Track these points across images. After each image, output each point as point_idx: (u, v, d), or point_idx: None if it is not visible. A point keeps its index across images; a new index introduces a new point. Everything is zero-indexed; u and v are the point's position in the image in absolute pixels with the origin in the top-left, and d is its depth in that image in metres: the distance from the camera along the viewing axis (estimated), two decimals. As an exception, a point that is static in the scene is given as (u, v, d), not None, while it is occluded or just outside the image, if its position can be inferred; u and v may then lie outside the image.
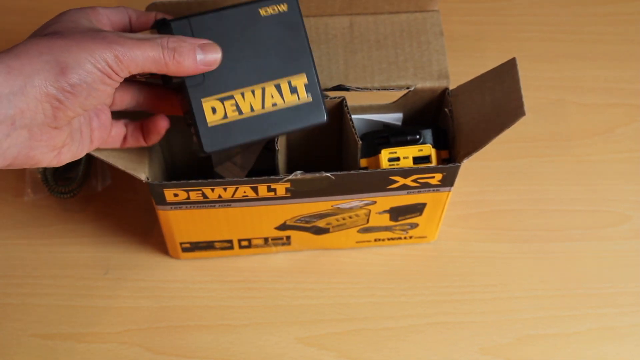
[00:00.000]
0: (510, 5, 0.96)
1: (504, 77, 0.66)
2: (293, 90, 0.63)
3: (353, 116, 0.72)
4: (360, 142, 0.68)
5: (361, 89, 0.70)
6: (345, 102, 0.70)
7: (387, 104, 0.74)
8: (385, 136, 0.71)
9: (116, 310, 0.78)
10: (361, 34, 0.71)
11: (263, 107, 0.62)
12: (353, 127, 0.68)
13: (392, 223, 0.77)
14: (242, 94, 0.62)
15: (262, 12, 0.62)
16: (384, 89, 0.70)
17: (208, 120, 0.61)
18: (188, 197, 0.69)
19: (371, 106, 0.74)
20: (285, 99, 0.63)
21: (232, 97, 0.61)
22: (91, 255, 0.81)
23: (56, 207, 0.83)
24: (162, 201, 0.69)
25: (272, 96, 0.62)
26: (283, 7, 0.63)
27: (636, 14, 0.96)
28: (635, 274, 0.81)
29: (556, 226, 0.83)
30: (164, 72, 0.58)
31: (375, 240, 0.80)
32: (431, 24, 0.72)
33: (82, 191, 0.83)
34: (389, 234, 0.80)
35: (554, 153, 0.87)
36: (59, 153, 0.58)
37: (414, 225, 0.78)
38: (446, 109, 0.71)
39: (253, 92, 0.62)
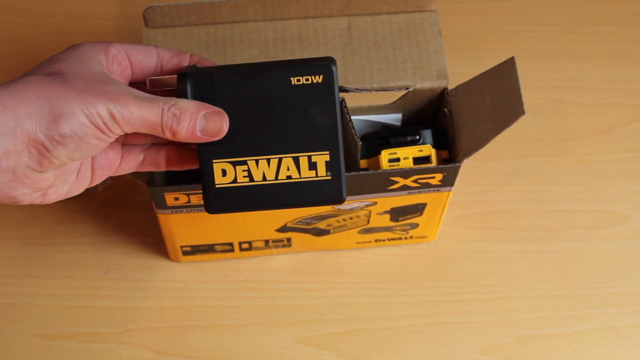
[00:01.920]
0: (510, 5, 0.96)
1: (503, 77, 0.66)
2: (312, 166, 0.59)
3: (352, 117, 0.72)
4: (360, 143, 0.68)
5: (360, 90, 0.70)
6: (345, 103, 0.70)
7: (387, 105, 0.74)
8: (385, 137, 0.71)
9: (116, 310, 0.78)
10: (359, 35, 0.71)
11: (276, 178, 0.59)
12: (353, 128, 0.68)
13: (393, 223, 0.77)
14: (257, 162, 0.59)
15: (294, 80, 0.58)
16: (383, 89, 0.70)
17: (216, 181, 0.59)
18: (189, 201, 0.69)
19: (370, 107, 0.74)
20: (301, 174, 0.59)
21: (245, 162, 0.58)
22: (91, 256, 0.81)
23: (56, 207, 0.83)
24: (163, 205, 0.69)
25: (288, 168, 0.59)
26: (318, 79, 0.58)
27: (636, 14, 0.96)
28: (635, 274, 0.81)
29: (556, 226, 0.83)
30: (160, 136, 0.55)
31: (376, 240, 0.80)
32: (429, 24, 0.72)
33: (82, 191, 0.83)
34: (389, 235, 0.80)
35: (554, 153, 0.87)
36: (44, 194, 0.56)
37: (415, 226, 0.78)
38: (445, 109, 0.71)
39: (269, 161, 0.59)
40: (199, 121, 0.55)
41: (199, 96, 0.57)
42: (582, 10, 0.95)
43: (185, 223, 0.72)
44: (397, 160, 0.70)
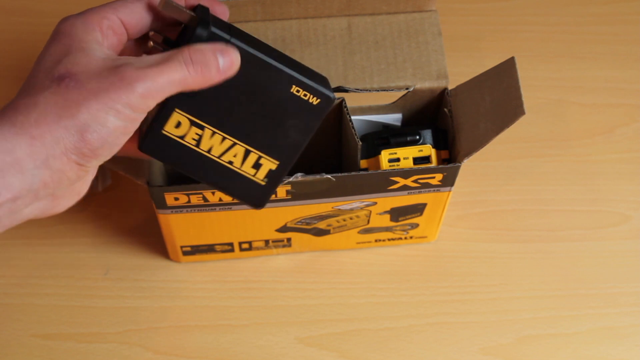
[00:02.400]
0: (510, 5, 0.96)
1: (503, 77, 0.66)
2: (257, 165, 0.59)
3: (352, 117, 0.72)
4: (360, 143, 0.68)
5: (360, 90, 0.70)
6: (345, 103, 0.70)
7: (387, 105, 0.74)
8: (385, 137, 0.71)
9: (116, 310, 0.78)
10: (359, 35, 0.71)
11: (219, 157, 0.59)
12: (353, 128, 0.68)
13: (393, 223, 0.77)
14: (213, 133, 0.58)
15: (293, 89, 0.58)
16: (383, 89, 0.70)
17: (166, 127, 0.57)
18: (189, 201, 0.69)
19: (370, 107, 0.74)
20: (243, 166, 0.59)
21: (203, 127, 0.57)
22: (91, 256, 0.81)
23: (56, 207, 0.83)
24: (163, 205, 0.69)
25: (235, 155, 0.59)
26: (314, 100, 0.58)
27: (636, 14, 0.96)
28: (635, 274, 0.81)
29: (556, 226, 0.83)
30: (188, 90, 0.53)
31: (376, 240, 0.80)
32: (429, 24, 0.72)
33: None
34: (389, 235, 0.80)
35: (554, 153, 0.87)
36: (78, 194, 0.55)
37: (415, 226, 0.78)
38: (445, 109, 0.71)
39: (223, 139, 0.58)
40: (218, 59, 0.53)
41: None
42: (582, 10, 0.95)
43: (185, 223, 0.73)
44: (397, 160, 0.70)
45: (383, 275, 0.81)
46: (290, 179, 0.67)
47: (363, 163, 0.72)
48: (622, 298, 0.80)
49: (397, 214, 0.75)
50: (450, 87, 0.71)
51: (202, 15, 0.55)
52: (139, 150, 0.58)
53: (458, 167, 0.68)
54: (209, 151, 0.58)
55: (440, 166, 0.69)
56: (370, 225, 0.77)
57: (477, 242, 0.82)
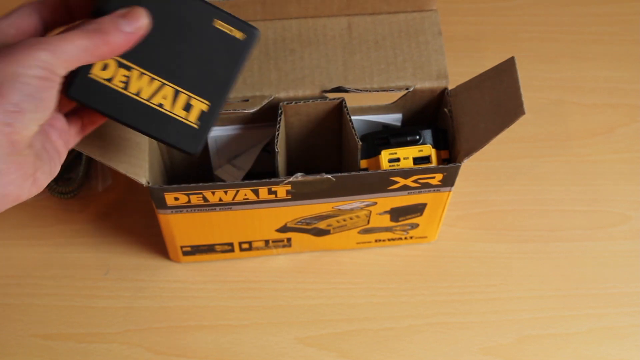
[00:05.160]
0: (510, 5, 0.96)
1: (503, 76, 0.66)
2: (187, 107, 0.58)
3: (352, 117, 0.72)
4: (360, 143, 0.68)
5: (360, 90, 0.70)
6: (345, 103, 0.70)
7: (387, 105, 0.74)
8: (385, 137, 0.71)
9: (116, 310, 0.78)
10: (359, 35, 0.71)
11: (150, 99, 0.57)
12: (353, 128, 0.68)
13: (393, 223, 0.77)
14: (141, 75, 0.57)
15: (216, 23, 0.58)
16: (383, 90, 0.70)
17: (93, 70, 0.56)
18: (189, 201, 0.69)
19: (370, 107, 0.74)
20: (173, 109, 0.58)
21: (130, 69, 0.56)
22: (91, 256, 0.81)
23: (56, 207, 0.83)
24: (163, 205, 0.69)
25: (165, 97, 0.57)
26: (239, 34, 0.58)
27: (636, 14, 0.96)
28: (635, 274, 0.81)
29: (556, 226, 0.83)
30: (99, 59, 0.54)
31: (376, 240, 0.80)
32: (429, 24, 0.72)
33: (82, 191, 0.83)
34: (389, 235, 0.80)
35: (554, 153, 0.87)
36: (35, 179, 0.54)
37: (415, 226, 0.78)
38: (445, 109, 0.71)
39: (152, 80, 0.57)
40: (120, 24, 0.54)
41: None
42: (582, 10, 0.95)
43: (185, 223, 0.73)
44: (397, 160, 0.70)
45: (383, 275, 0.81)
46: (290, 179, 0.67)
47: (363, 163, 0.72)
48: (622, 298, 0.80)
49: (397, 214, 0.75)
50: (450, 87, 0.71)
51: None
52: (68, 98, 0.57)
53: (458, 167, 0.68)
54: (138, 94, 0.57)
55: (440, 166, 0.69)
56: (370, 225, 0.77)
57: (477, 242, 0.82)
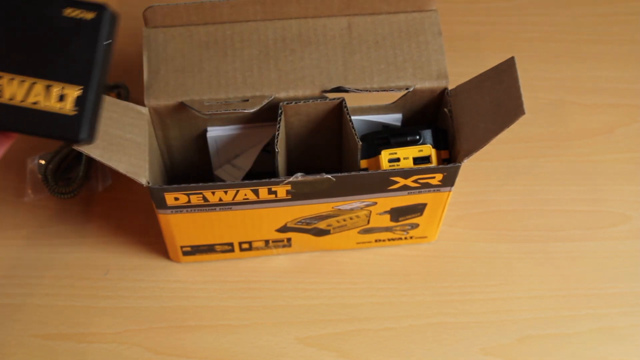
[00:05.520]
0: (510, 5, 0.96)
1: (503, 76, 0.66)
2: (61, 97, 0.58)
3: (352, 117, 0.72)
4: (360, 143, 0.68)
5: (360, 90, 0.70)
6: (345, 103, 0.70)
7: (387, 105, 0.74)
8: (385, 137, 0.71)
9: (116, 310, 0.78)
10: (359, 35, 0.71)
11: (24, 100, 0.58)
12: (353, 128, 0.68)
13: (393, 224, 0.77)
14: (11, 79, 0.57)
15: (66, 12, 0.58)
16: (383, 89, 0.70)
17: None
18: (189, 201, 0.69)
19: (370, 107, 0.74)
20: (49, 102, 0.58)
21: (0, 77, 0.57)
22: (91, 256, 0.81)
23: (56, 207, 0.83)
24: (163, 205, 0.69)
25: (38, 94, 0.58)
26: (89, 15, 0.58)
27: (636, 14, 0.96)
28: (635, 274, 0.81)
29: (556, 226, 0.83)
30: None
31: (376, 241, 0.80)
32: (429, 24, 0.72)
33: (82, 191, 0.83)
34: (389, 235, 0.80)
35: (554, 153, 0.87)
36: None
37: (415, 226, 0.78)
38: (445, 109, 0.71)
39: (22, 82, 0.58)
40: None
41: None
42: (582, 11, 0.95)
43: (185, 223, 0.73)
44: (397, 160, 0.70)
45: (383, 275, 0.81)
46: (290, 179, 0.67)
47: (363, 163, 0.72)
48: (622, 298, 0.80)
49: (397, 214, 0.75)
50: (450, 87, 0.71)
51: None
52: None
53: (458, 167, 0.69)
54: (12, 98, 0.57)
55: (440, 166, 0.69)
56: (371, 225, 0.77)
57: (477, 242, 0.82)
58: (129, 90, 0.87)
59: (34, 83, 0.58)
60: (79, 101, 0.58)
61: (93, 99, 0.58)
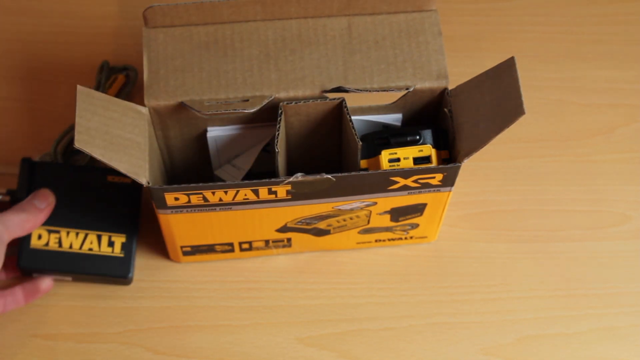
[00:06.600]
0: (510, 5, 0.96)
1: (503, 76, 0.66)
2: (111, 244, 0.75)
3: (352, 117, 0.72)
4: (360, 143, 0.68)
5: (360, 90, 0.70)
6: (345, 103, 0.70)
7: (387, 105, 0.74)
8: (385, 137, 0.71)
9: (116, 310, 0.78)
10: (359, 35, 0.71)
11: (81, 248, 0.75)
12: (353, 128, 0.68)
13: (393, 224, 0.77)
14: (68, 232, 0.74)
15: (109, 178, 0.77)
16: (383, 90, 0.70)
17: (32, 242, 0.74)
18: (189, 201, 0.69)
19: (371, 107, 0.74)
20: (101, 248, 0.75)
21: (58, 231, 0.74)
22: (91, 256, 0.81)
23: (56, 207, 0.83)
24: (163, 205, 0.69)
25: (92, 242, 0.75)
26: (128, 180, 0.76)
27: (636, 14, 0.95)
28: (635, 274, 0.81)
29: (556, 226, 0.83)
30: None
31: (376, 241, 0.80)
32: (429, 24, 0.72)
33: None
34: (389, 235, 0.80)
35: (554, 153, 0.87)
36: None
37: (415, 226, 0.78)
38: (445, 109, 0.71)
39: (77, 234, 0.75)
40: (35, 202, 0.72)
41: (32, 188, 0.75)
42: (583, 11, 0.95)
43: (185, 223, 0.72)
44: (397, 160, 0.70)
45: (383, 275, 0.81)
46: (290, 179, 0.67)
47: (363, 163, 0.72)
48: (622, 298, 0.80)
49: (397, 214, 0.75)
50: (450, 87, 0.71)
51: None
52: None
53: (458, 167, 0.68)
54: (71, 247, 0.74)
55: (440, 166, 0.69)
56: (371, 225, 0.77)
57: (477, 242, 0.82)
58: (137, 72, 0.86)
59: (88, 234, 0.75)
60: (125, 246, 0.76)
61: (134, 243, 0.77)
